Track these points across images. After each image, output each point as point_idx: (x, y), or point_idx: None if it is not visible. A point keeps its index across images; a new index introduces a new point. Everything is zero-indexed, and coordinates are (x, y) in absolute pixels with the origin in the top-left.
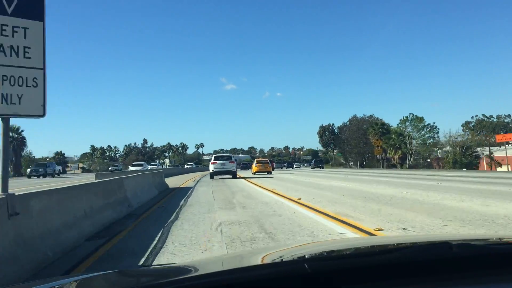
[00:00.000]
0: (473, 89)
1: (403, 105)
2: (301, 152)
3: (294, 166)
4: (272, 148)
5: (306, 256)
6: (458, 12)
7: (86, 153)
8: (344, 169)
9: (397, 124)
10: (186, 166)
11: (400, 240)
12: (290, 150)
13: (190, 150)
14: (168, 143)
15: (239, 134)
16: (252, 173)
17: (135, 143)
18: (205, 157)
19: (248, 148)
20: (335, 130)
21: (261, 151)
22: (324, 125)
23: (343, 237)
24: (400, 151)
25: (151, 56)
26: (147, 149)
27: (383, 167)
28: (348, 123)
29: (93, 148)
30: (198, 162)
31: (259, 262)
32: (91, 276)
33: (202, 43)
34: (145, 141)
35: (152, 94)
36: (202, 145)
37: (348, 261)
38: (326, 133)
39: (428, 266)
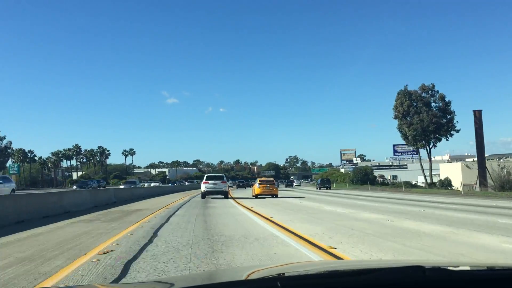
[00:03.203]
0: None
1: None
2: (255, 168)
3: (294, 184)
4: (222, 162)
5: (281, 275)
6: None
7: None
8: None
9: None
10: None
11: (376, 263)
12: (243, 164)
13: (116, 159)
14: (76, 144)
15: (181, 147)
16: (253, 195)
17: None
18: (137, 170)
19: (194, 161)
20: (434, 96)
21: (209, 164)
22: (410, 89)
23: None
24: None
25: (91, 67)
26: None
27: None
28: None
29: None
30: (126, 176)
31: (236, 279)
32: None
33: (143, 56)
34: None
35: (92, 101)
36: (132, 152)
37: (321, 281)
38: (419, 105)
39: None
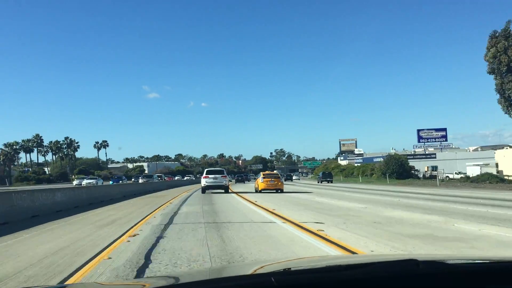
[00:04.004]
0: None
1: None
2: (240, 161)
3: (294, 178)
4: (205, 156)
5: (276, 270)
6: None
7: None
8: None
9: None
10: None
11: (371, 258)
12: (227, 158)
13: (92, 153)
14: (37, 134)
15: (163, 142)
16: (257, 191)
17: None
18: (114, 165)
19: (175, 155)
20: None
21: (192, 159)
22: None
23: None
24: None
25: (67, 63)
26: None
27: None
28: None
29: None
30: (97, 170)
31: (234, 274)
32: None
33: (123, 50)
34: None
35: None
36: (105, 145)
37: (315, 275)
38: None
39: (394, 282)
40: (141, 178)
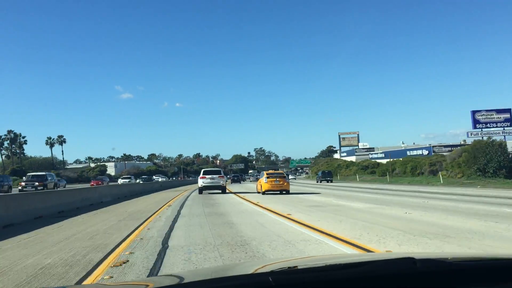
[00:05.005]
0: None
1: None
2: (218, 161)
3: (290, 177)
4: (180, 156)
5: (276, 269)
6: None
7: None
8: None
9: None
10: None
11: (370, 257)
12: (204, 157)
13: (41, 151)
14: None
15: (136, 142)
16: (259, 191)
17: None
18: (75, 165)
19: (148, 155)
20: None
21: (166, 158)
22: None
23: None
24: None
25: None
26: None
27: None
28: None
29: None
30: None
31: (235, 274)
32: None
33: (95, 50)
34: None
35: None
36: (61, 141)
37: (313, 274)
38: None
39: (392, 280)
40: None
